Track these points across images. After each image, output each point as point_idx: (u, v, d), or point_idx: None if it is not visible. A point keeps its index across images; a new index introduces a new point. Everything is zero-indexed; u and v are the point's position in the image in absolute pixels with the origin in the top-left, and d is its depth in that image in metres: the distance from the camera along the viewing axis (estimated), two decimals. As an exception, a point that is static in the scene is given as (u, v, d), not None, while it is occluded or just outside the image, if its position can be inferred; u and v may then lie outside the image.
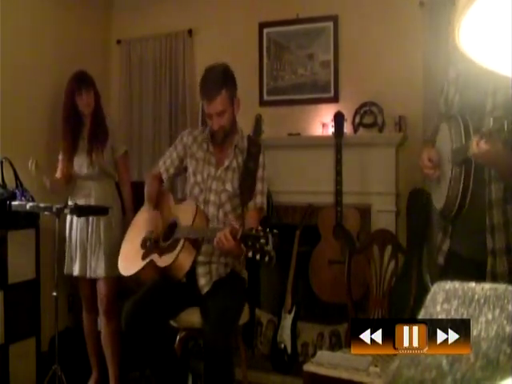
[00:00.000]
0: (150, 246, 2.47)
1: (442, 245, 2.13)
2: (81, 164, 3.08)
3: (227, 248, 2.17)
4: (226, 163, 2.48)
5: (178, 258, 2.31)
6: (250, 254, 2.06)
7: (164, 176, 2.64)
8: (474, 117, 1.91)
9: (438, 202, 2.07)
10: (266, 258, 2.04)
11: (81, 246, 3.07)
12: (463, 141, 1.88)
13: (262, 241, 2.02)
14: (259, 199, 2.47)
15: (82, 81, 3.08)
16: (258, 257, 2.04)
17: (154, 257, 2.41)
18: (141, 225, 2.59)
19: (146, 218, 2.58)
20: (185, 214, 2.42)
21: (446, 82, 2.16)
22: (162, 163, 2.65)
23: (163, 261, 2.36)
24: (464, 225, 2.01)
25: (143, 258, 2.46)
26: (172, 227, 2.46)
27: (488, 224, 1.93)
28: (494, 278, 1.92)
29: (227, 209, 2.47)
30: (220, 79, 2.39)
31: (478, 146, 1.72)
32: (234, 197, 2.46)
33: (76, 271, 3.08)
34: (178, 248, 2.33)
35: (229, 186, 2.46)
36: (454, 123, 1.94)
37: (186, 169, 2.60)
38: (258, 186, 2.47)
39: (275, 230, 2.05)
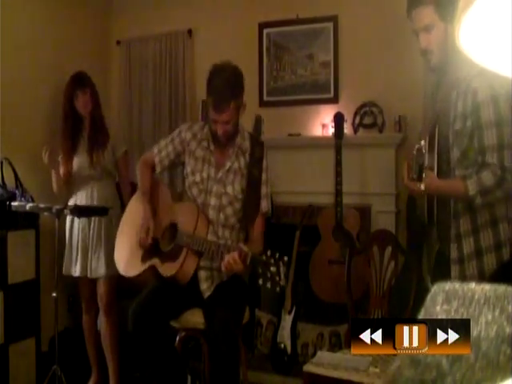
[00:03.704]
0: (150, 247, 2.42)
1: (435, 247, 2.21)
2: (82, 164, 3.08)
3: (235, 271, 2.15)
4: (228, 165, 2.42)
5: (182, 268, 2.28)
6: (261, 282, 2.03)
7: (158, 168, 2.55)
8: (444, 128, 1.99)
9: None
10: (277, 289, 2.02)
11: (82, 247, 3.06)
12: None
13: (273, 269, 1.99)
14: (264, 203, 2.44)
15: (77, 82, 3.10)
16: (268, 285, 2.02)
17: (156, 262, 2.37)
18: (136, 218, 2.50)
19: (140, 212, 2.47)
20: (185, 217, 2.37)
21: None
22: (156, 151, 2.55)
23: (166, 269, 2.32)
24: (445, 227, 2.07)
25: (143, 260, 2.41)
26: (172, 230, 2.41)
27: (453, 233, 1.97)
28: None
29: (228, 212, 2.41)
30: (229, 90, 2.28)
31: (409, 185, 1.92)
32: (235, 201, 2.41)
33: (77, 272, 3.07)
34: (182, 257, 2.29)
35: (230, 189, 2.40)
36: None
37: (182, 164, 2.53)
38: (263, 190, 2.44)
39: (286, 258, 2.03)
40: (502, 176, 1.82)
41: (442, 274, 2.15)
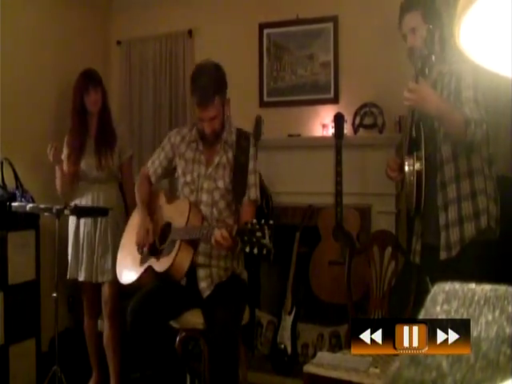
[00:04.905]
0: (147, 251, 2.46)
1: (416, 246, 2.33)
2: (89, 166, 3.05)
3: (226, 247, 2.17)
4: (216, 160, 2.47)
5: (176, 260, 2.30)
6: (248, 249, 2.04)
7: (152, 178, 2.62)
8: (429, 119, 2.15)
9: (404, 204, 2.30)
10: (264, 251, 2.02)
11: (88, 250, 3.03)
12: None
13: (258, 234, 2.00)
14: (253, 192, 2.46)
15: (89, 78, 3.07)
16: (255, 251, 2.02)
17: (152, 262, 2.40)
18: (135, 230, 2.56)
19: (139, 222, 2.55)
20: (178, 214, 2.41)
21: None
22: (150, 164, 2.64)
23: (161, 265, 2.35)
24: (430, 214, 2.19)
25: (141, 263, 2.45)
26: (166, 229, 2.44)
27: (441, 203, 2.14)
28: (448, 249, 2.14)
29: (221, 206, 2.45)
30: (212, 85, 2.35)
31: (408, 89, 2.00)
32: (227, 193, 2.45)
33: (82, 277, 3.04)
34: (175, 250, 2.31)
35: (220, 184, 2.45)
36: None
37: (175, 169, 2.58)
38: (251, 179, 2.46)
39: (271, 221, 2.04)
40: (481, 118, 2.00)
41: (427, 268, 2.23)
